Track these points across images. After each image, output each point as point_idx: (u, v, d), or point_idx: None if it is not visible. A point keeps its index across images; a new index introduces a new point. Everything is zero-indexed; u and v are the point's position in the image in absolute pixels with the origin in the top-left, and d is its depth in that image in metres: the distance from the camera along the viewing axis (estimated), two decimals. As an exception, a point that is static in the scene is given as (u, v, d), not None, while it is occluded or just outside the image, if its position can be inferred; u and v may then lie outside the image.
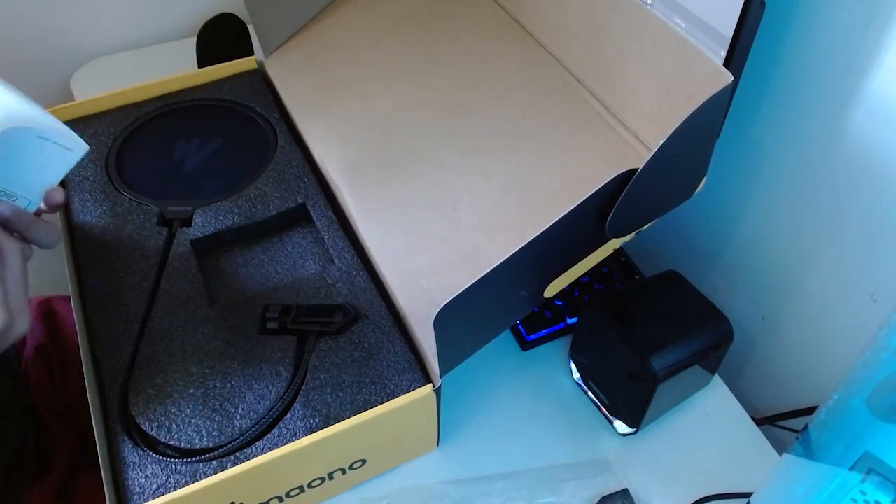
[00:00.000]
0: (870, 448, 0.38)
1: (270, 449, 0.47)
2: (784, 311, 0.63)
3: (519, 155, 0.57)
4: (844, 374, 0.39)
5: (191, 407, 0.50)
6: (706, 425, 0.60)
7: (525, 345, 0.64)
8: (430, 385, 0.50)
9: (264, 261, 0.60)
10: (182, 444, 0.48)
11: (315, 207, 0.61)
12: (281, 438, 0.48)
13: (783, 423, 0.63)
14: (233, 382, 0.51)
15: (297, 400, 0.50)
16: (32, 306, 0.75)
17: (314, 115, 0.67)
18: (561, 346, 0.65)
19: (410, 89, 0.66)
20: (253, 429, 0.48)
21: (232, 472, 0.46)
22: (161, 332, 0.53)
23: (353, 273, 0.57)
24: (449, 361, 0.50)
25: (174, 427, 0.49)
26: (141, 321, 0.53)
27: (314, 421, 0.49)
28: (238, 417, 0.49)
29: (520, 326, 0.65)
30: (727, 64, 0.50)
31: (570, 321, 0.65)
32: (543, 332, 0.64)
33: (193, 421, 0.49)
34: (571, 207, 0.43)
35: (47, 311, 0.74)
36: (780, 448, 0.57)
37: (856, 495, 0.39)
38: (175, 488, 0.46)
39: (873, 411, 0.37)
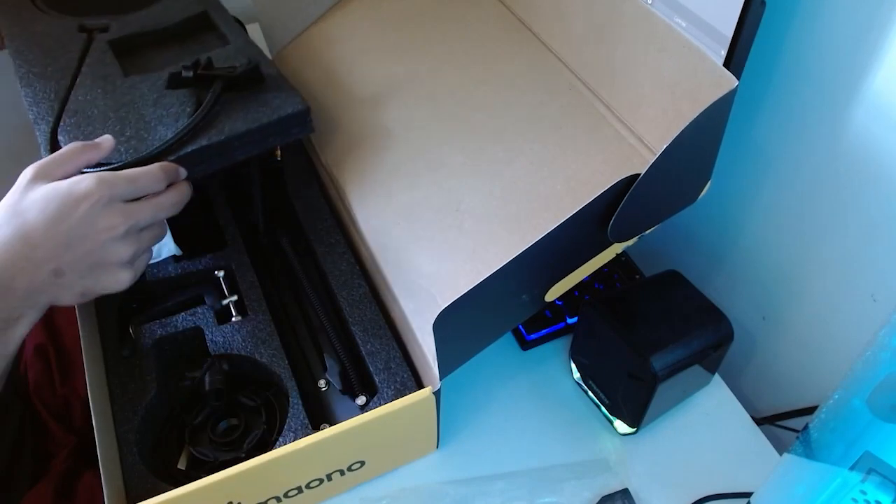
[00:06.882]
0: (870, 448, 0.38)
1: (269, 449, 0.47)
2: (784, 310, 0.63)
3: (522, 157, 0.57)
4: (845, 373, 0.39)
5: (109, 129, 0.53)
6: (706, 425, 0.60)
7: (525, 345, 0.64)
8: (430, 388, 0.50)
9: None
10: None
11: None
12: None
13: (783, 423, 0.63)
14: (146, 118, 0.54)
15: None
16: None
17: (318, 114, 0.67)
18: (561, 346, 0.65)
19: (415, 90, 0.66)
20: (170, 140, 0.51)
21: (230, 471, 0.46)
22: (85, 102, 0.56)
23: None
24: (449, 364, 0.50)
25: None
26: (62, 97, 0.56)
27: None
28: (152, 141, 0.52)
29: (520, 326, 0.65)
30: (727, 64, 0.50)
31: (570, 321, 0.65)
32: (543, 331, 0.64)
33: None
34: (574, 212, 0.43)
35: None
36: (780, 448, 0.57)
37: (856, 495, 0.39)
38: (174, 487, 0.45)
39: (874, 411, 0.37)
